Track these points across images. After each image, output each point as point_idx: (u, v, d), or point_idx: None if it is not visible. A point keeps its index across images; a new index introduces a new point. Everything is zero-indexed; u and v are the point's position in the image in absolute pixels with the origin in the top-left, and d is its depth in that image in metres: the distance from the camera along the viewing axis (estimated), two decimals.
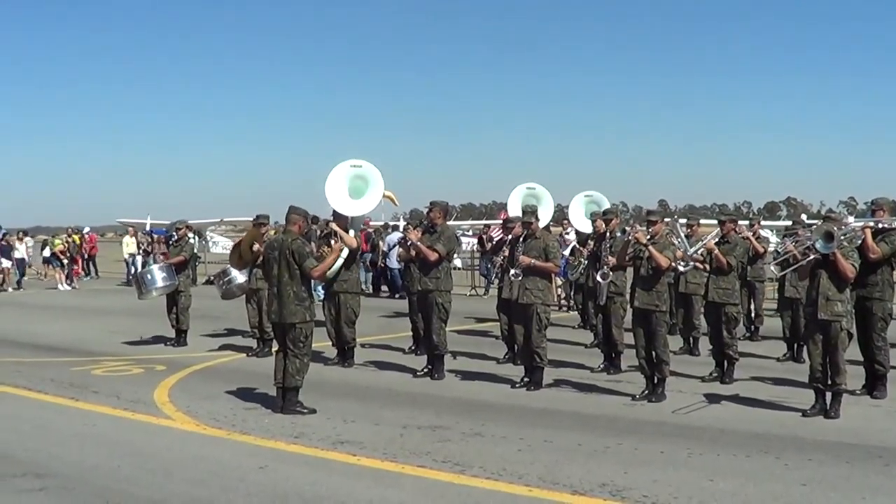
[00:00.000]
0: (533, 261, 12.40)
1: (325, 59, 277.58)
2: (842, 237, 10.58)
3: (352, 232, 14.31)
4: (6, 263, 32.37)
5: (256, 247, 14.59)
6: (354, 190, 14.34)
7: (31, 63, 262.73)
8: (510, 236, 13.53)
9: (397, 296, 26.05)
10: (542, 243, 12.59)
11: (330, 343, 14.74)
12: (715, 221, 14.42)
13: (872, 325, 11.82)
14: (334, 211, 14.24)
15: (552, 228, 21.47)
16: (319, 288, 17.33)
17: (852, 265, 10.48)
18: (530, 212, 12.91)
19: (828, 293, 10.56)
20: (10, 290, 31.73)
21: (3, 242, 32.94)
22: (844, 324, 10.58)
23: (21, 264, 33.52)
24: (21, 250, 33.41)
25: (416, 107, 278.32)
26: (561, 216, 24.81)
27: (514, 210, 15.96)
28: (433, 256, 13.27)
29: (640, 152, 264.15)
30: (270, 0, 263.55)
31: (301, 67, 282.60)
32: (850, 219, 12.04)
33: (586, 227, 15.82)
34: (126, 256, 34.28)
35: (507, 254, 13.29)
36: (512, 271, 12.60)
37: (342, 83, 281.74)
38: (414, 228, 13.83)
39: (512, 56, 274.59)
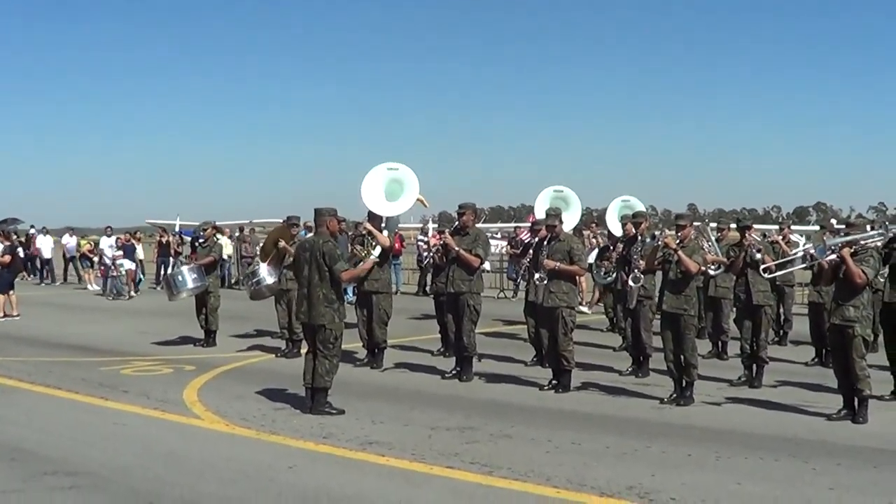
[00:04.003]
0: (557, 264, 12.39)
1: (357, 60, 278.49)
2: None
3: (385, 232, 14.36)
4: (129, 265, 29.18)
5: (282, 244, 14.61)
6: (390, 193, 14.43)
7: (61, 63, 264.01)
8: (535, 239, 13.52)
9: None
10: (566, 246, 12.57)
11: (361, 344, 14.78)
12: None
13: None
14: (369, 212, 14.29)
15: (584, 231, 21.47)
16: (350, 289, 17.39)
17: (862, 270, 10.33)
18: (554, 214, 12.87)
19: (839, 298, 10.58)
20: (134, 294, 29.01)
21: (128, 242, 30.19)
22: (858, 329, 10.44)
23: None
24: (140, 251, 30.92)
25: (445, 107, 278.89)
26: (589, 219, 24.73)
27: (541, 212, 15.88)
28: (477, 262, 13.33)
29: (669, 156, 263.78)
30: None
31: (331, 68, 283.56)
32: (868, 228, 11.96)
33: (621, 231, 15.73)
34: (224, 257, 28.40)
35: (532, 256, 13.30)
36: (537, 275, 12.60)
37: (371, 84, 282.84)
38: (442, 232, 13.78)
39: (543, 61, 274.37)
